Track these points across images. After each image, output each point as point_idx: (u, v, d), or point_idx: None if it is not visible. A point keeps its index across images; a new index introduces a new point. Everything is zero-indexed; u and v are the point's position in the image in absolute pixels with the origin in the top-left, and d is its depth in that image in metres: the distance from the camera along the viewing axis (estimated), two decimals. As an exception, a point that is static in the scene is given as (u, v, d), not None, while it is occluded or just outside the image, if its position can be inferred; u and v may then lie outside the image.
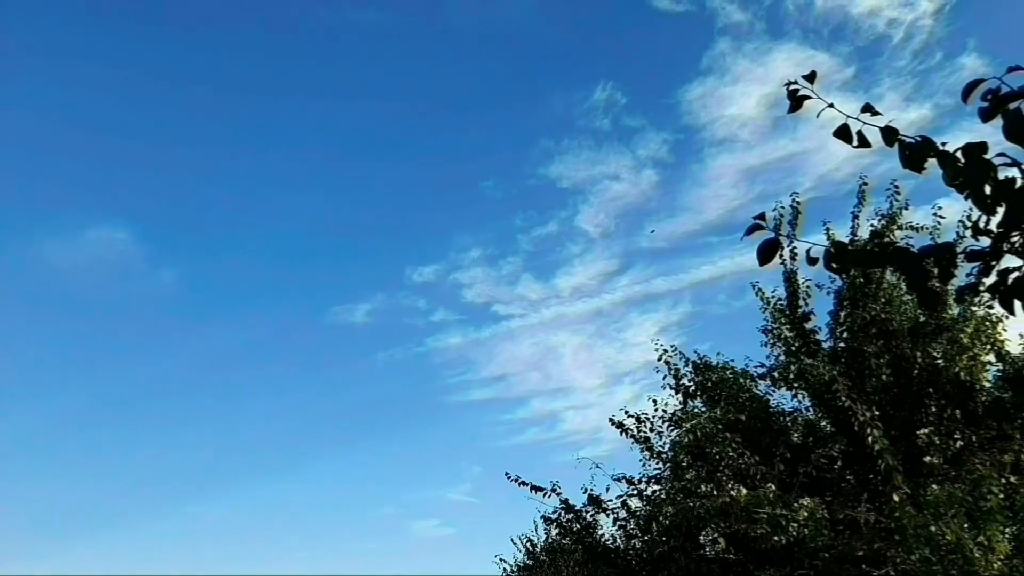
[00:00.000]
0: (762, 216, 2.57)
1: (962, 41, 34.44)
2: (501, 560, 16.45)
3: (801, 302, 10.55)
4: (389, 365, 43.92)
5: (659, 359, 11.06)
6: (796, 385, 10.24)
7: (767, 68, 33.50)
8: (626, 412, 11.06)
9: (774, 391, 10.62)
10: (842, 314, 10.28)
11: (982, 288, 2.36)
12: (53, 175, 45.25)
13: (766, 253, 2.55)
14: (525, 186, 43.05)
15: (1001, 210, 2.24)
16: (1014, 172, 2.23)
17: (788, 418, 10.46)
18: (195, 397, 47.30)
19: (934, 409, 9.47)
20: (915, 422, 9.38)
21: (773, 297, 10.76)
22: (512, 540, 16.21)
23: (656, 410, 10.99)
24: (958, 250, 2.41)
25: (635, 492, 10.84)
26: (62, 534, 42.22)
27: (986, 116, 2.28)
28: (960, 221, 9.59)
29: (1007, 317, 9.38)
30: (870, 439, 8.39)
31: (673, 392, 11.04)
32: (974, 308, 9.72)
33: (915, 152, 2.38)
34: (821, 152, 32.16)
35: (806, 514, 8.45)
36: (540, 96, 45.10)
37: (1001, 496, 7.73)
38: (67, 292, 45.35)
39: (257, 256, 46.90)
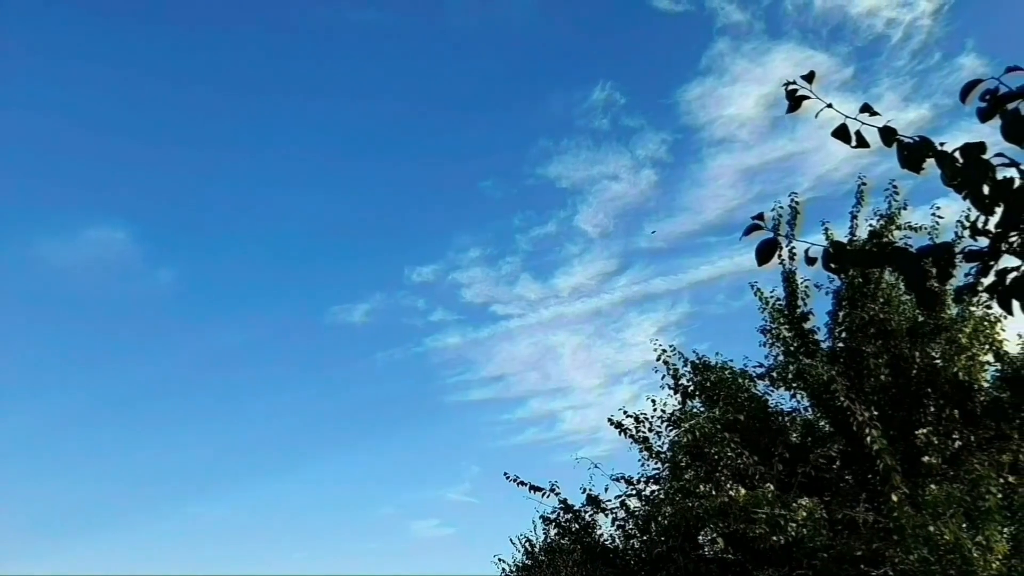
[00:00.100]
0: (760, 216, 2.57)
1: (961, 41, 34.49)
2: (500, 560, 16.48)
3: (800, 302, 10.56)
4: (388, 365, 43.91)
5: (658, 359, 11.08)
6: (795, 385, 10.25)
7: (766, 68, 33.52)
8: (625, 412, 11.08)
9: (773, 391, 10.64)
10: (841, 314, 10.29)
11: (980, 288, 2.36)
12: (52, 175, 45.21)
13: (765, 253, 2.55)
14: (524, 186, 43.05)
15: (999, 210, 2.24)
16: (1012, 172, 2.23)
17: (787, 418, 10.47)
18: (194, 397, 47.26)
19: (932, 409, 9.48)
20: (913, 422, 9.39)
21: (772, 297, 10.78)
22: (511, 540, 16.24)
23: (655, 410, 11.01)
24: (956, 250, 2.41)
25: (634, 492, 10.84)
26: (62, 534, 42.19)
27: (984, 116, 2.28)
28: (958, 221, 9.62)
29: (1005, 317, 9.40)
30: (869, 439, 8.40)
31: (672, 392, 11.06)
32: (972, 308, 9.73)
33: (913, 152, 2.38)
34: (820, 152, 32.19)
35: (805, 514, 8.45)
36: (539, 96, 45.10)
37: (999, 496, 7.74)
38: (66, 292, 45.30)
39: (256, 256, 46.88)
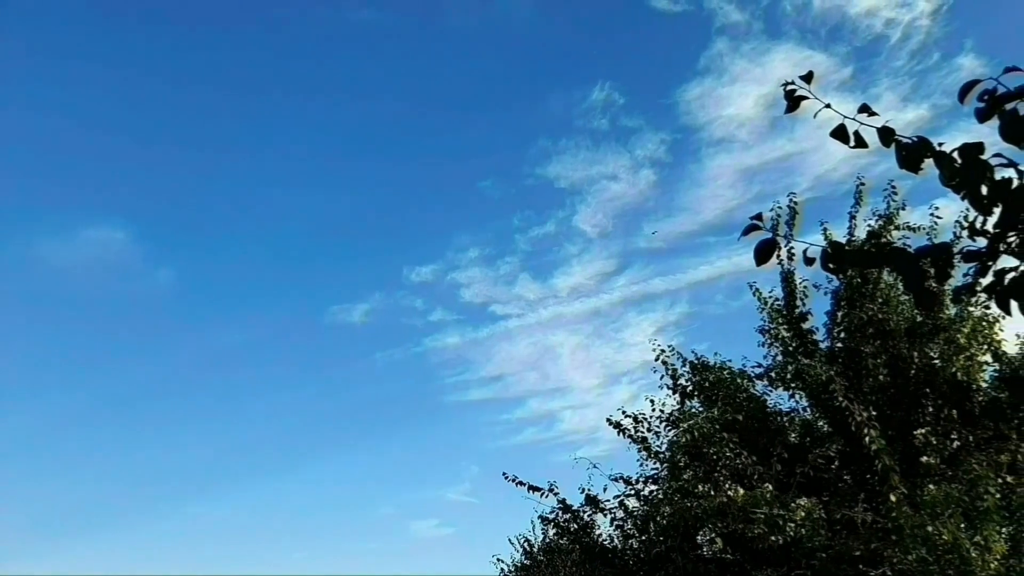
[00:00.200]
0: (759, 216, 2.57)
1: (959, 41, 34.53)
2: (499, 560, 16.47)
3: (798, 302, 10.56)
4: (387, 365, 43.91)
5: (656, 359, 11.08)
6: (793, 385, 10.25)
7: (765, 68, 33.54)
8: (623, 412, 11.08)
9: (771, 391, 10.64)
10: (839, 314, 10.29)
11: (979, 288, 2.36)
12: (51, 175, 45.19)
13: (763, 253, 2.55)
14: (523, 186, 43.06)
15: (997, 210, 2.24)
16: (1010, 172, 2.23)
17: (785, 418, 10.47)
18: (194, 397, 47.25)
19: (931, 409, 9.48)
20: (912, 422, 9.40)
21: (770, 297, 10.78)
22: (510, 540, 16.22)
23: (653, 410, 11.01)
24: (955, 250, 2.41)
25: (632, 492, 10.84)
26: (62, 534, 42.18)
27: (983, 117, 2.28)
28: (957, 221, 9.62)
29: (1004, 317, 9.40)
30: (867, 439, 8.40)
31: (670, 392, 11.05)
32: (971, 308, 9.73)
33: (912, 152, 2.38)
34: (818, 152, 32.21)
35: (803, 514, 8.46)
36: (538, 96, 45.12)
37: (998, 496, 7.74)
38: (65, 292, 45.30)
39: (255, 256, 46.87)
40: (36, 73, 42.69)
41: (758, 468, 9.42)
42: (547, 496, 11.19)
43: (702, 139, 40.47)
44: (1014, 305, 2.24)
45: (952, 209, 9.87)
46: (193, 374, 47.99)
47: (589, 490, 10.99)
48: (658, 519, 10.27)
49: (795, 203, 10.46)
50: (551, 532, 12.69)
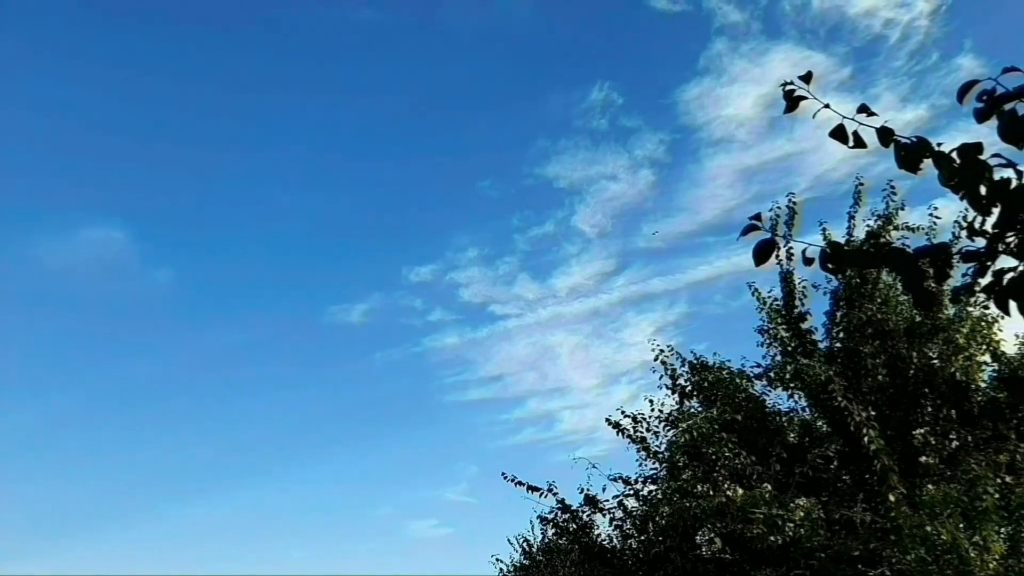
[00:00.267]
0: (758, 216, 2.57)
1: (959, 42, 34.54)
2: (497, 560, 16.46)
3: (797, 302, 10.57)
4: (386, 365, 43.90)
5: (655, 359, 11.08)
6: (792, 385, 10.25)
7: (764, 68, 33.54)
8: (622, 412, 11.09)
9: (770, 391, 10.65)
10: (838, 314, 10.30)
11: (978, 288, 2.36)
12: (49, 174, 45.15)
13: (762, 253, 2.55)
14: (522, 186, 43.06)
15: (996, 211, 2.24)
16: (1009, 173, 2.23)
17: (784, 418, 10.48)
18: (192, 397, 47.20)
19: (930, 409, 9.49)
20: (911, 422, 9.40)
21: (769, 297, 10.78)
22: (509, 540, 16.21)
23: (652, 410, 11.02)
24: (954, 251, 2.41)
25: (631, 492, 10.84)
26: (62, 534, 42.16)
27: (981, 117, 2.28)
28: (956, 222, 9.63)
29: (1002, 318, 9.40)
30: (866, 439, 8.40)
31: (669, 392, 11.06)
32: (970, 309, 9.74)
33: (911, 153, 2.38)
34: (818, 152, 32.19)
35: (802, 514, 8.46)
36: (537, 96, 45.12)
37: (996, 496, 7.75)
38: (64, 292, 45.24)
39: (253, 255, 46.84)
40: (35, 73, 42.69)
41: (757, 468, 9.42)
42: (546, 496, 11.20)
43: (701, 139, 40.48)
44: (1013, 305, 2.24)
45: (951, 209, 9.89)
46: (192, 374, 47.97)
47: (588, 490, 11.00)
48: (657, 519, 10.27)
49: (794, 203, 10.48)
50: (550, 532, 12.69)
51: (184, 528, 41.18)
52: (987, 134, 2.27)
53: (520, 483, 11.26)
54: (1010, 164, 2.24)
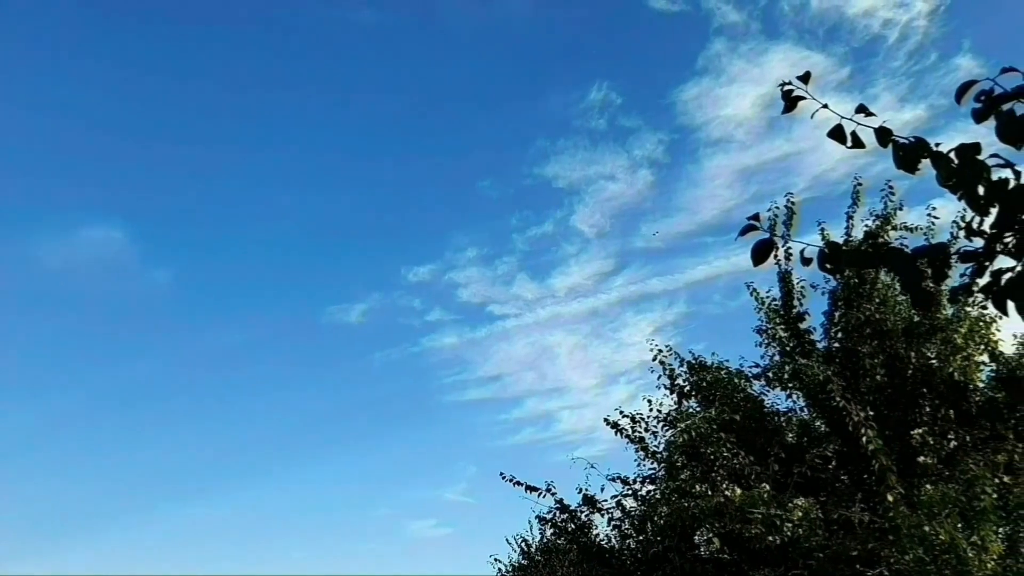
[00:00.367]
0: (756, 216, 2.57)
1: (957, 42, 34.58)
2: (496, 560, 16.46)
3: (796, 302, 10.57)
4: (385, 365, 43.90)
5: (654, 359, 11.08)
6: (791, 385, 10.26)
7: (762, 69, 33.57)
8: (621, 412, 11.09)
9: (769, 391, 10.65)
10: (836, 314, 10.30)
11: (976, 289, 2.36)
12: (48, 174, 45.12)
13: (760, 253, 2.55)
14: (521, 186, 43.11)
15: (994, 211, 2.24)
16: (1007, 173, 2.23)
17: (783, 418, 10.48)
18: (191, 397, 47.20)
19: (928, 409, 9.49)
20: (909, 422, 9.40)
21: (768, 297, 10.78)
22: (507, 540, 16.22)
23: (651, 410, 11.02)
24: (952, 251, 2.42)
25: (630, 492, 10.84)
26: (62, 534, 42.14)
27: (979, 117, 2.29)
28: (954, 222, 9.63)
29: (1001, 318, 9.34)
30: (864, 439, 8.40)
31: (668, 392, 11.06)
32: (968, 309, 9.74)
33: (909, 153, 2.38)
34: (816, 153, 32.23)
35: (800, 514, 8.46)
36: (536, 96, 45.15)
37: (995, 496, 7.75)
38: (63, 292, 45.25)
39: (252, 255, 46.84)
40: (34, 73, 42.65)
41: (755, 468, 9.43)
42: (544, 496, 11.21)
43: (700, 139, 40.52)
44: (1011, 305, 2.24)
45: (949, 209, 9.87)
46: (191, 374, 47.98)
47: (586, 490, 11.00)
48: (655, 519, 10.27)
49: (792, 203, 10.48)
50: (549, 532, 12.70)
51: (183, 528, 41.22)
52: (985, 134, 2.27)
53: (519, 483, 11.27)
54: (1008, 164, 2.24)
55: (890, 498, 7.80)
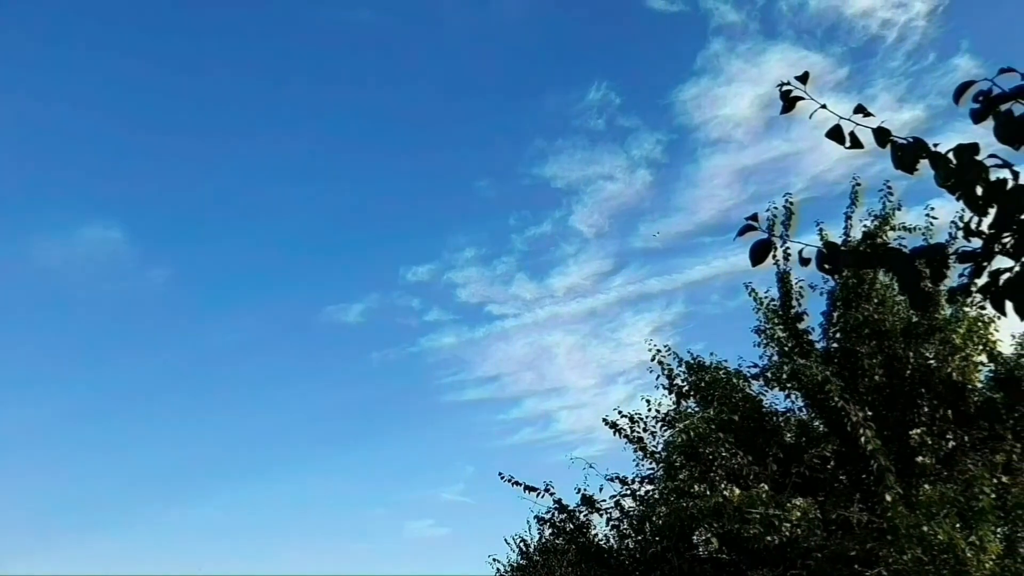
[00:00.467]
0: (755, 217, 2.57)
1: (955, 42, 34.66)
2: (494, 560, 16.46)
3: (794, 303, 10.57)
4: (383, 365, 43.96)
5: (652, 359, 11.08)
6: (789, 385, 10.26)
7: (761, 69, 33.63)
8: (619, 412, 11.09)
9: (767, 391, 10.64)
10: (835, 315, 10.30)
11: (974, 289, 2.37)
12: (47, 173, 45.11)
13: (759, 254, 2.55)
14: (519, 186, 43.18)
15: (992, 211, 2.24)
16: (1005, 173, 2.23)
17: (781, 418, 10.48)
18: (188, 397, 47.25)
19: (926, 409, 9.50)
20: (907, 422, 9.41)
21: (766, 297, 10.78)
22: (505, 540, 16.21)
23: (649, 410, 11.02)
24: (950, 251, 2.42)
25: (628, 492, 10.85)
26: (62, 534, 42.13)
27: (978, 117, 2.29)
28: (952, 222, 9.63)
29: (999, 318, 9.41)
30: (863, 439, 8.41)
31: (666, 392, 11.05)
32: (966, 309, 9.75)
33: (907, 153, 2.38)
34: (814, 153, 32.28)
35: (799, 514, 8.46)
36: (534, 96, 45.23)
37: (993, 496, 7.76)
38: (60, 291, 45.28)
39: (250, 255, 46.89)
40: (34, 73, 42.61)
41: (754, 468, 9.43)
42: (543, 496, 11.20)
43: (698, 139, 40.59)
44: (1009, 305, 2.24)
45: (948, 210, 9.87)
46: (188, 373, 48.00)
47: (585, 490, 11.00)
48: (654, 519, 10.27)
49: (791, 203, 10.48)
50: (547, 532, 12.70)
51: (182, 527, 41.26)
52: (983, 135, 2.27)
53: (517, 483, 11.27)
54: (1006, 164, 2.24)
55: (888, 498, 7.80)
